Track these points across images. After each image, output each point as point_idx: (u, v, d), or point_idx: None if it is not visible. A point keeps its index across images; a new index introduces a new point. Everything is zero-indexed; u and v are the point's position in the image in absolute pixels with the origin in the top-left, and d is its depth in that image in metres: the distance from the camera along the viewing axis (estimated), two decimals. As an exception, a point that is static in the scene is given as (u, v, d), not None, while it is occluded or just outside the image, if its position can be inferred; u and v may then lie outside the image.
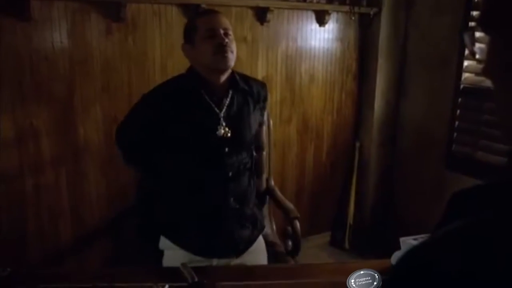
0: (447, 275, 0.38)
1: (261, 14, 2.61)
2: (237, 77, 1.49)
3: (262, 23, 2.64)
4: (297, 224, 2.18)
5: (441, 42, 2.70)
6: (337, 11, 2.87)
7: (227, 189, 1.49)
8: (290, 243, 2.25)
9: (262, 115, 1.60)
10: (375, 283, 1.17)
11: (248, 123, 1.50)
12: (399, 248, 1.46)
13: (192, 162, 1.46)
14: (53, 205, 2.22)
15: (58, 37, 2.10)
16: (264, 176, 2.52)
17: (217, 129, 1.41)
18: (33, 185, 2.16)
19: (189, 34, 1.45)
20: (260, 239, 1.73)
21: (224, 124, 1.43)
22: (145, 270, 1.53)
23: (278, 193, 2.48)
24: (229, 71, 1.49)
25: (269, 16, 2.61)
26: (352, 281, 1.19)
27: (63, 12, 2.09)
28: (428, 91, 2.87)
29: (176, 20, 2.38)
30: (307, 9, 2.79)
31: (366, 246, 3.16)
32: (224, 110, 1.45)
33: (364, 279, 1.18)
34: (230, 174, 1.47)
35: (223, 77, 1.47)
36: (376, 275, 1.19)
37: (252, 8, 2.59)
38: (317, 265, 1.75)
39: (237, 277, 1.44)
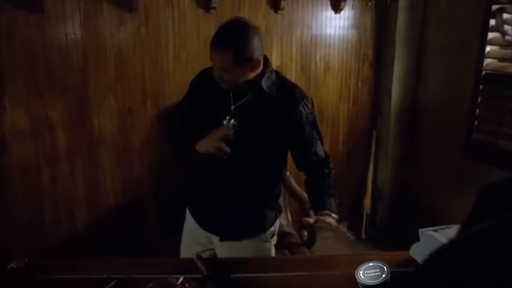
0: (476, 285, 0.34)
1: (275, 2, 2.57)
2: (265, 80, 1.50)
3: (276, 11, 2.60)
4: (313, 214, 2.16)
5: (462, 27, 2.62)
6: (353, -3, 2.81)
7: (230, 175, 1.56)
8: (305, 233, 2.23)
9: (292, 125, 1.53)
10: (383, 275, 1.16)
11: (257, 121, 1.51)
12: (418, 239, 1.43)
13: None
14: (69, 195, 2.25)
15: (71, 28, 2.10)
16: (279, 166, 2.50)
17: (225, 119, 1.49)
18: (49, 176, 2.18)
19: None
20: (267, 243, 1.70)
21: (232, 114, 1.50)
22: (160, 262, 1.53)
23: (293, 183, 2.46)
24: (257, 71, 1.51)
25: (283, 3, 2.56)
26: (361, 273, 1.18)
27: (76, 4, 2.09)
28: (447, 78, 2.79)
29: (189, 9, 2.36)
30: (322, -4, 2.73)
31: (383, 236, 3.12)
32: (238, 104, 1.51)
33: (372, 271, 1.18)
34: (226, 157, 1.50)
35: None
36: (384, 267, 1.18)
37: (266, -5, 2.55)
38: (333, 257, 1.72)
39: (251, 269, 1.42)
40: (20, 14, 1.98)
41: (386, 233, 3.13)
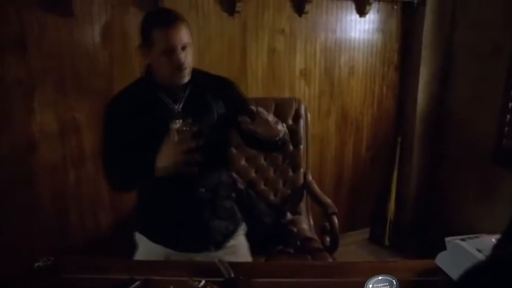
0: None
1: (299, 5, 2.56)
2: (194, 73, 1.46)
3: (300, 15, 2.59)
4: (335, 219, 2.13)
5: (492, 30, 2.55)
6: (379, 1, 2.77)
7: (195, 180, 1.48)
8: (327, 239, 2.20)
9: (234, 106, 1.50)
10: None
11: (209, 116, 1.48)
12: (443, 248, 1.39)
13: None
14: (94, 196, 2.28)
15: (98, 32, 2.14)
16: (302, 170, 2.49)
17: (176, 124, 1.37)
18: (75, 176, 2.22)
19: (146, 42, 1.39)
20: (242, 237, 1.69)
21: (177, 120, 1.39)
22: (181, 265, 1.53)
23: (316, 187, 2.44)
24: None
25: (307, 7, 2.55)
26: (370, 286, 1.17)
27: (103, 7, 2.13)
28: (476, 82, 2.72)
29: (213, 13, 2.37)
30: (347, 0, 2.71)
31: (407, 243, 3.06)
32: (181, 105, 1.45)
33: (382, 284, 1.17)
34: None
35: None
36: (394, 281, 1.16)
37: (290, -1, 2.54)
38: (355, 263, 1.69)
39: (273, 274, 1.41)
40: (50, 18, 2.03)
41: (410, 240, 3.07)
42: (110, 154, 1.48)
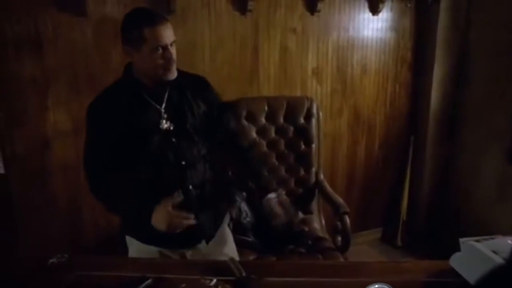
0: None
1: (311, 4, 2.55)
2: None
3: (312, 13, 2.58)
4: (347, 219, 2.12)
5: (508, 28, 2.50)
6: (392, -1, 2.75)
7: (184, 178, 1.51)
8: (339, 238, 2.19)
9: (210, 103, 1.58)
10: None
11: (190, 114, 1.52)
12: (457, 249, 1.37)
13: (147, 159, 1.47)
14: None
15: (111, 31, 2.15)
16: (313, 169, 2.48)
17: (160, 123, 1.46)
18: (88, 174, 2.23)
19: (135, 41, 1.41)
20: (226, 227, 1.76)
21: (166, 117, 1.48)
22: (193, 263, 1.54)
23: (328, 186, 2.43)
24: None
25: (320, 5, 2.54)
26: None
27: (116, 6, 2.14)
28: (492, 81, 2.68)
29: (225, 12, 2.37)
30: (360, -2, 2.69)
31: (420, 244, 3.03)
32: (164, 105, 1.49)
33: None
34: (184, 162, 1.49)
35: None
36: None
37: (302, -3, 2.53)
38: (367, 263, 1.68)
39: (284, 273, 1.41)
40: (64, 17, 2.05)
41: (423, 241, 3.04)
42: (94, 163, 1.49)
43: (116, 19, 2.13)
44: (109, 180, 1.47)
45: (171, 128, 1.48)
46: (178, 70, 1.51)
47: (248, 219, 2.19)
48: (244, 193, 2.11)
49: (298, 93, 2.67)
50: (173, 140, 1.49)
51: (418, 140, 3.04)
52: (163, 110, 1.49)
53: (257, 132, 2.42)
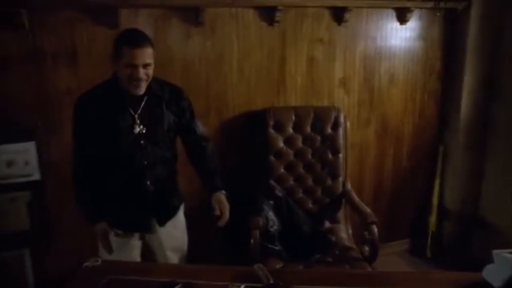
0: None
1: (338, 14, 2.56)
2: (152, 84, 1.69)
3: (339, 23, 2.59)
4: (375, 229, 2.10)
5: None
6: (420, 8, 2.72)
7: (143, 174, 1.72)
8: (366, 248, 2.17)
9: (181, 114, 1.79)
10: None
11: (161, 122, 1.72)
12: (489, 261, 1.34)
13: (116, 155, 1.69)
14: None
15: (143, 42, 2.22)
16: (340, 179, 2.47)
17: (133, 128, 1.66)
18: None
19: (116, 54, 1.60)
20: (181, 217, 1.93)
21: (139, 122, 1.67)
22: (222, 269, 1.56)
23: (355, 196, 2.42)
24: None
25: (347, 16, 2.55)
26: None
27: (147, 19, 2.21)
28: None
29: (253, 23, 2.41)
30: (387, 7, 2.68)
31: (450, 256, 2.96)
32: (139, 112, 1.68)
33: None
34: (146, 162, 1.70)
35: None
36: None
37: (329, 8, 2.55)
38: (397, 273, 1.66)
39: (311, 281, 1.41)
40: (98, 30, 2.13)
41: (453, 253, 2.97)
42: (78, 166, 1.71)
43: (147, 31, 2.21)
44: (83, 178, 1.71)
45: (144, 131, 1.68)
46: (159, 81, 1.73)
47: (275, 227, 2.20)
48: (271, 202, 2.13)
49: (324, 103, 2.67)
50: (142, 142, 1.68)
51: (447, 150, 2.98)
52: (136, 116, 1.67)
53: (284, 142, 2.44)
